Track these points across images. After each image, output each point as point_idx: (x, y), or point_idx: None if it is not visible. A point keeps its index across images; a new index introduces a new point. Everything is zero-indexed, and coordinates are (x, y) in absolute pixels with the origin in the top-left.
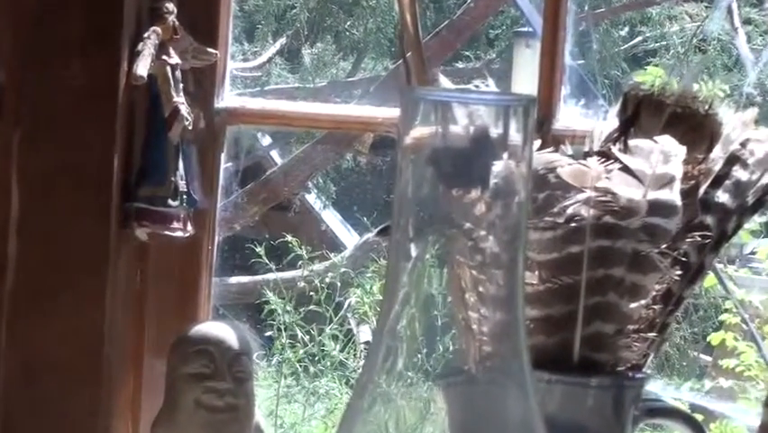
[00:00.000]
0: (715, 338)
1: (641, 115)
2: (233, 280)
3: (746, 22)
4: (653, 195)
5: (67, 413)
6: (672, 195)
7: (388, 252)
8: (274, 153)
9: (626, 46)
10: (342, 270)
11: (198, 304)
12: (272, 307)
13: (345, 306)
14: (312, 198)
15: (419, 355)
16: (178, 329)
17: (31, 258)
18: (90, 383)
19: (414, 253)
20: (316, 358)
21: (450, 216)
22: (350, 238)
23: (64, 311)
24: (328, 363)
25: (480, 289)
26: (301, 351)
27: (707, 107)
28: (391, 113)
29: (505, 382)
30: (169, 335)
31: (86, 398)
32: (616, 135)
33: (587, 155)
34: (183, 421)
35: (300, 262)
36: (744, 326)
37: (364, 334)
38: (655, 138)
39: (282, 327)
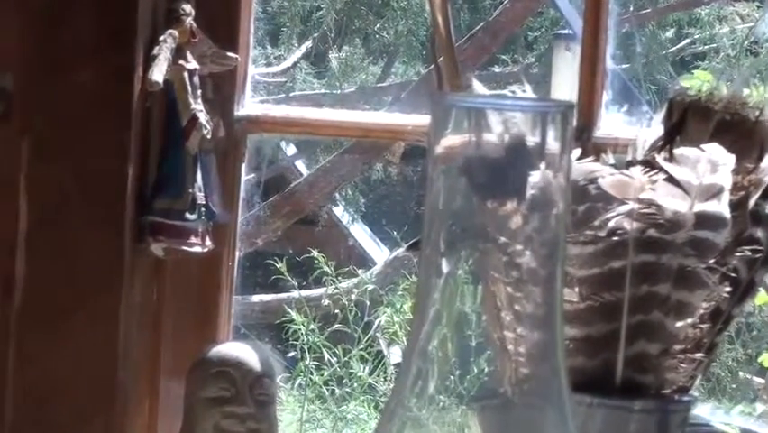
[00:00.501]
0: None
1: (687, 121)
2: (255, 298)
3: None
4: (701, 207)
5: None
6: (721, 207)
7: (418, 267)
8: (299, 164)
9: (672, 49)
10: (371, 287)
11: (218, 324)
12: (296, 326)
13: (374, 326)
14: (339, 211)
15: (452, 378)
16: (196, 350)
17: (40, 274)
18: (103, 408)
19: (446, 268)
20: (344, 381)
21: (484, 229)
22: (379, 253)
23: (76, 331)
24: (356, 386)
25: (517, 307)
26: (327, 373)
27: (757, 114)
28: (423, 120)
29: (542, 406)
30: (186, 356)
31: (100, 424)
32: (660, 144)
33: (630, 165)
34: None
35: (326, 279)
36: None
37: (395, 355)
38: (703, 146)
39: (307, 347)
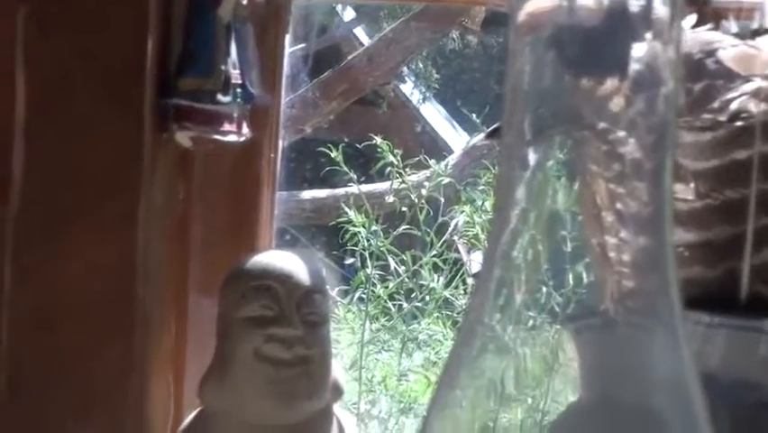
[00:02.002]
0: None
1: None
2: (305, 195)
3: None
4: None
5: (90, 371)
6: None
7: (499, 158)
8: (358, 32)
9: None
10: (446, 181)
11: (258, 228)
12: (355, 228)
13: (450, 227)
14: (408, 89)
15: (542, 291)
16: (231, 261)
17: (41, 172)
18: (120, 332)
19: (533, 160)
20: (413, 294)
21: (578, 113)
22: (456, 139)
23: (84, 240)
24: (429, 301)
25: (619, 206)
26: (393, 285)
27: None
28: None
29: (650, 326)
30: (220, 268)
31: (116, 351)
32: None
33: (756, 34)
34: (239, 378)
35: (391, 172)
36: None
37: (476, 263)
38: None
39: (368, 253)
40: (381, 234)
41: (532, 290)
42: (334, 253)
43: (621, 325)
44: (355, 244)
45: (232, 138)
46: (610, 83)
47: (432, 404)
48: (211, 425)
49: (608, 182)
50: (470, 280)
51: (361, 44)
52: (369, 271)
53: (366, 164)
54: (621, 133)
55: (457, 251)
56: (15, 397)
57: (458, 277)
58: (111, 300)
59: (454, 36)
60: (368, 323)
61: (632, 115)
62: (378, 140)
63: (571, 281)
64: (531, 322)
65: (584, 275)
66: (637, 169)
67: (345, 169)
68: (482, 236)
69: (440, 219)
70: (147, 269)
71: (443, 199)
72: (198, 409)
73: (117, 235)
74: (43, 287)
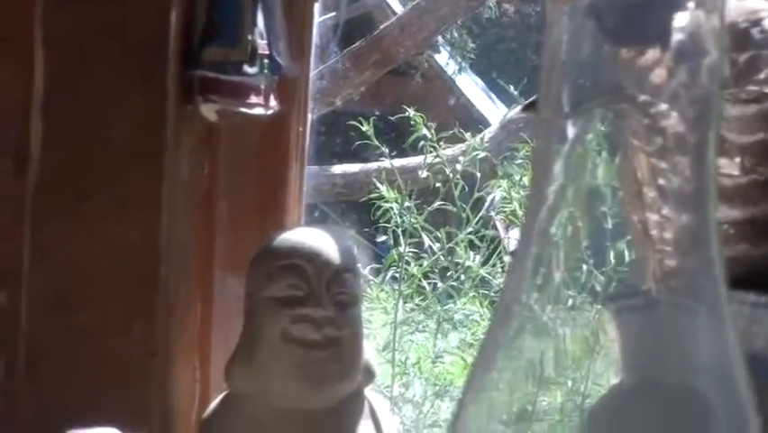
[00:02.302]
0: None
1: None
2: (336, 170)
3: None
4: None
5: (111, 353)
6: None
7: (536, 132)
8: (391, 0)
9: None
10: (483, 155)
11: (286, 204)
12: (387, 204)
13: (487, 203)
14: (442, 60)
15: (582, 269)
16: (259, 239)
17: (60, 146)
18: (143, 312)
19: (571, 133)
20: (449, 273)
21: (618, 84)
22: (493, 112)
23: (105, 216)
24: (464, 280)
25: (661, 181)
26: (427, 263)
27: None
28: None
29: (694, 307)
30: (247, 246)
31: (138, 331)
32: None
33: None
34: (267, 361)
35: (425, 145)
36: None
37: (515, 240)
38: None
39: (401, 230)
40: (415, 210)
41: (571, 269)
42: (366, 230)
43: (663, 305)
44: (387, 221)
45: (259, 111)
46: (651, 53)
47: (467, 387)
48: (238, 409)
49: (650, 157)
50: (507, 259)
51: (394, 13)
52: (402, 249)
53: (398, 138)
54: (663, 106)
55: (494, 228)
56: (33, 379)
57: (495, 255)
58: (133, 280)
59: (490, 4)
60: (401, 303)
61: (674, 87)
62: (411, 112)
63: (612, 260)
64: (570, 302)
65: (626, 253)
66: (680, 143)
67: (377, 142)
68: (520, 212)
69: (476, 195)
70: (171, 247)
71: (479, 174)
72: (224, 394)
73: (140, 212)
74: (62, 266)
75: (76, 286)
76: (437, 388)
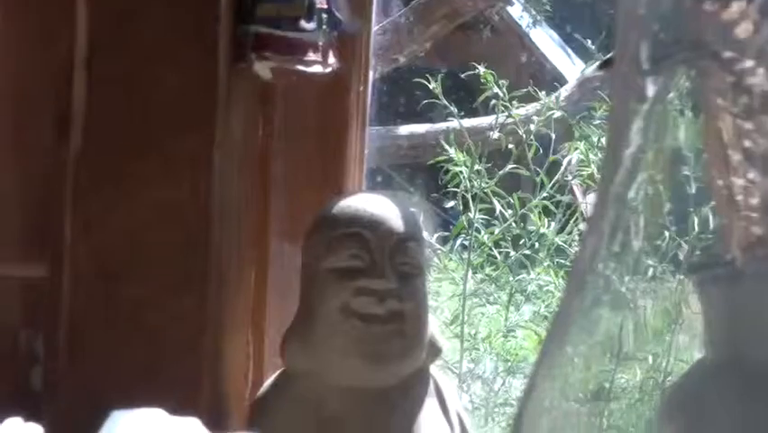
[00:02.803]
0: None
1: None
2: (401, 131)
3: None
4: None
5: (159, 326)
6: None
7: (612, 91)
8: None
9: None
10: (558, 114)
11: (346, 168)
12: (456, 168)
13: (563, 166)
14: (516, 12)
15: (664, 237)
16: (317, 205)
17: (104, 108)
18: (194, 282)
19: (651, 92)
20: (521, 242)
21: (701, 39)
22: (570, 69)
23: (153, 182)
24: (539, 248)
25: (747, 143)
26: (499, 231)
27: None
28: None
29: None
30: (304, 213)
31: (190, 302)
32: None
33: None
34: (326, 334)
35: (496, 105)
36: None
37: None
38: None
39: (471, 196)
40: (485, 174)
41: (651, 236)
42: (433, 195)
43: (749, 276)
44: (456, 186)
45: (316, 69)
46: (737, 6)
47: (539, 362)
48: (294, 388)
49: (735, 117)
50: (584, 226)
51: None
52: (471, 215)
53: (468, 97)
54: (749, 63)
55: (570, 192)
56: (77, 356)
57: (571, 222)
58: (183, 248)
59: None
60: (470, 273)
61: (761, 43)
62: (481, 69)
63: (695, 227)
64: (651, 272)
65: (710, 220)
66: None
67: (445, 101)
68: (598, 176)
69: (551, 158)
70: (223, 212)
71: (554, 135)
72: (280, 371)
73: (189, 175)
74: (108, 234)
75: (122, 255)
76: (509, 364)
